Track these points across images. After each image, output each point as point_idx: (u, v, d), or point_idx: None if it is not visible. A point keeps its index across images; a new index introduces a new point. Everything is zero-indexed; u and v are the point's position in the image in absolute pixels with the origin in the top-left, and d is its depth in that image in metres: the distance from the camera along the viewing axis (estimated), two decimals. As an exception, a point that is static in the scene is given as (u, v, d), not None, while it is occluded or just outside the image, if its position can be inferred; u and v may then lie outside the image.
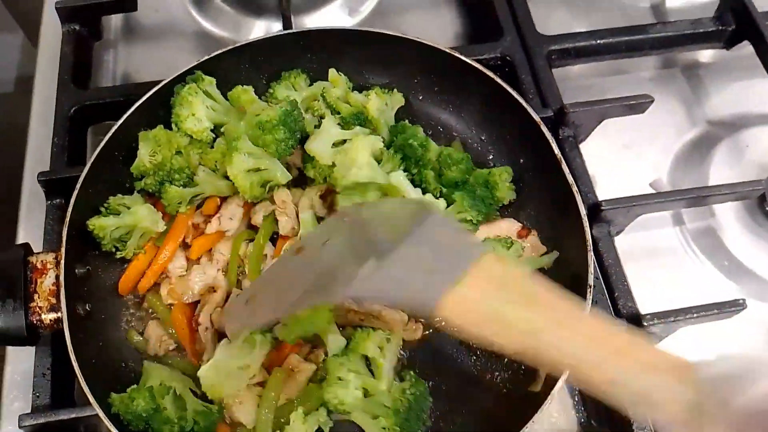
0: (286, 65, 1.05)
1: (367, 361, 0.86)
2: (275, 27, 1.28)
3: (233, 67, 1.04)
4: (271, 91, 1.04)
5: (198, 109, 0.96)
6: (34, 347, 0.88)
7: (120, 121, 0.93)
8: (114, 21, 1.29)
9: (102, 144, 0.92)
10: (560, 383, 0.80)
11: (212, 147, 0.98)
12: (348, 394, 0.81)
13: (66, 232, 0.84)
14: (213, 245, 0.96)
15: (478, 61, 1.02)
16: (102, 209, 0.90)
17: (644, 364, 0.53)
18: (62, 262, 0.82)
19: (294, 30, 1.03)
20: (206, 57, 1.00)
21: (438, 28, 1.32)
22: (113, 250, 0.91)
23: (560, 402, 0.97)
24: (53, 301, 0.81)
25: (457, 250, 0.62)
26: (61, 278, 0.81)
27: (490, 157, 1.06)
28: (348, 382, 0.81)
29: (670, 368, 0.53)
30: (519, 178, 1.01)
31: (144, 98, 0.94)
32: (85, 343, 0.82)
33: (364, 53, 1.06)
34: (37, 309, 0.81)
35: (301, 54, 1.06)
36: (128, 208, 0.91)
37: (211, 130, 0.98)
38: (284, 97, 1.01)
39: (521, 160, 1.02)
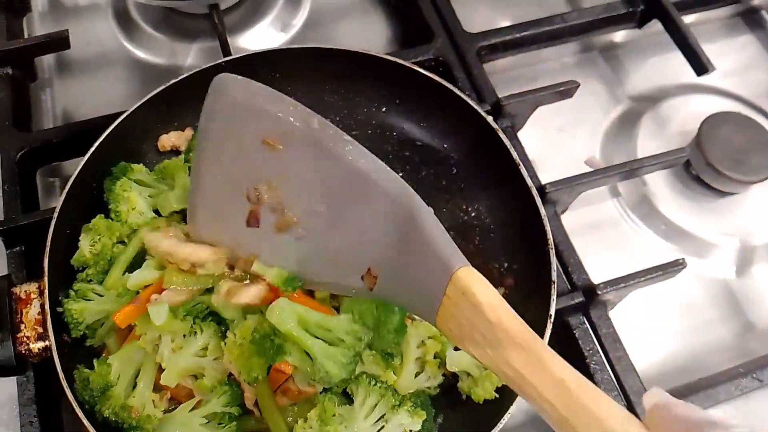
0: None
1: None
2: (211, 51, 1.30)
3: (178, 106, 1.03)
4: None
5: (137, 202, 0.94)
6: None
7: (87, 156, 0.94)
8: (47, 60, 1.28)
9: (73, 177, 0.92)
10: None
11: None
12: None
13: (47, 263, 0.84)
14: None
15: (413, 64, 1.06)
16: (71, 292, 0.87)
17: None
18: (46, 291, 0.83)
19: (234, 56, 1.04)
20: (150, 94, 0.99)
21: (370, 36, 1.36)
22: (80, 336, 0.88)
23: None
24: (40, 330, 0.82)
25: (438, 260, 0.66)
26: (47, 307, 0.82)
27: (453, 162, 1.07)
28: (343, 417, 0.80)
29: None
30: (480, 179, 1.04)
31: (102, 137, 0.95)
32: (74, 370, 0.83)
33: (316, 71, 1.06)
34: (25, 339, 0.81)
35: (260, 78, 1.04)
36: (100, 295, 0.88)
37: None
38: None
39: (481, 162, 1.04)
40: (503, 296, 0.65)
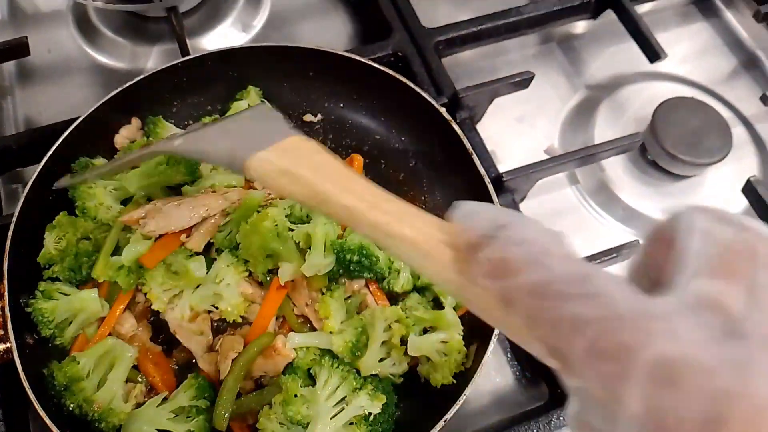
0: (185, 94, 1.08)
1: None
2: (171, 53, 1.31)
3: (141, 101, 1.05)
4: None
5: (104, 198, 0.95)
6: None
7: (41, 164, 0.94)
8: (7, 67, 1.28)
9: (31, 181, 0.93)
10: (488, 354, 0.86)
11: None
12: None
13: (6, 266, 0.85)
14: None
15: (372, 60, 1.08)
16: (37, 293, 0.88)
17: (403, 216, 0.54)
18: (5, 294, 0.84)
19: (191, 56, 1.05)
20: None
21: (331, 34, 1.37)
22: (50, 335, 0.89)
23: (496, 361, 1.04)
24: (0, 332, 0.82)
25: (274, 130, 0.70)
26: (7, 310, 0.83)
27: (411, 154, 1.09)
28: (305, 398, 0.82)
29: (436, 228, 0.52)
30: (438, 171, 1.07)
31: (59, 141, 0.95)
32: (38, 373, 0.84)
33: (274, 69, 1.08)
34: None
35: (214, 77, 1.08)
36: (65, 294, 0.89)
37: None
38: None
39: (438, 155, 1.06)
40: None
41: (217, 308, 0.89)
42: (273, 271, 0.90)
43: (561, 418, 0.93)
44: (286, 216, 0.90)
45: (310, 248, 0.86)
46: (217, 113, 1.10)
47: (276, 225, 0.87)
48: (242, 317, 0.89)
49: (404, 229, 0.52)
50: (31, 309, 0.87)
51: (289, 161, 0.64)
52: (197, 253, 0.90)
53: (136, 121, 1.05)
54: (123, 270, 0.88)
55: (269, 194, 0.95)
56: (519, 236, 0.42)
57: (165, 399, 0.85)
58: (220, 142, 0.73)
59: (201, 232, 0.91)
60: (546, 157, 1.13)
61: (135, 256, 0.87)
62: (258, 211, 0.91)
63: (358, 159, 1.07)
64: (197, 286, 0.89)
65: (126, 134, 1.04)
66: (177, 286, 0.87)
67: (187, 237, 0.91)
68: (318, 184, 0.60)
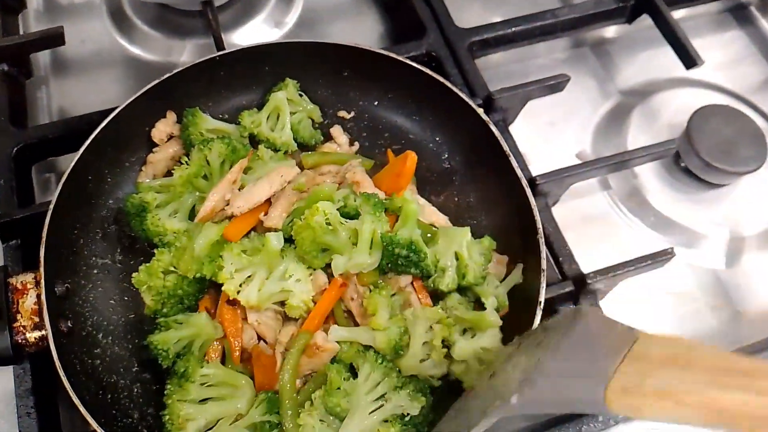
0: (220, 88, 1.08)
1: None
2: (205, 47, 1.31)
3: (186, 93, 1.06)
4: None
5: (173, 224, 0.95)
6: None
7: (80, 152, 0.94)
8: (42, 57, 1.29)
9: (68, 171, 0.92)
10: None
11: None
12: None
13: (43, 253, 0.85)
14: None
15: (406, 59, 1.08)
16: (160, 326, 0.88)
17: None
18: (42, 281, 0.84)
19: (227, 51, 1.05)
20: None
21: (363, 32, 1.37)
22: (171, 365, 0.88)
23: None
24: (36, 320, 0.83)
25: (609, 343, 0.60)
26: (42, 297, 0.83)
27: (445, 154, 1.09)
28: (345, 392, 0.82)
29: None
30: (472, 172, 1.06)
31: (96, 131, 0.96)
32: (71, 360, 0.85)
33: (308, 65, 1.08)
34: (21, 329, 0.83)
35: (248, 73, 1.08)
36: (179, 323, 0.89)
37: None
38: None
39: (473, 156, 1.06)
40: None
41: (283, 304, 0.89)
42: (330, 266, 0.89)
43: (591, 425, 0.92)
44: (338, 209, 0.89)
45: (355, 245, 0.86)
46: (255, 107, 1.10)
47: (327, 219, 0.86)
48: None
49: None
50: (153, 343, 0.86)
51: (657, 376, 0.53)
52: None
53: (171, 115, 1.06)
54: (204, 259, 0.88)
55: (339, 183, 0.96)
56: None
57: (238, 418, 0.85)
58: (563, 385, 0.59)
59: (278, 211, 0.93)
60: (579, 161, 1.12)
61: (209, 241, 0.88)
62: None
63: (412, 156, 1.00)
64: (268, 276, 0.88)
65: (163, 128, 1.04)
66: (252, 264, 0.86)
67: (265, 215, 0.93)
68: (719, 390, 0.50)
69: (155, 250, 0.93)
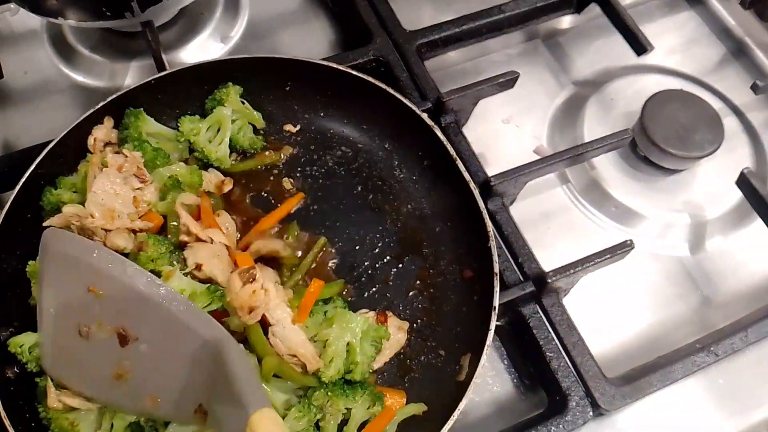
0: (163, 109, 1.06)
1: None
2: (150, 68, 1.27)
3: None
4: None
5: None
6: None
7: (16, 190, 0.92)
8: (-18, 91, 1.26)
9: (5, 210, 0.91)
10: (481, 366, 0.85)
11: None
12: None
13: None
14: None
15: (354, 66, 1.06)
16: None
17: None
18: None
19: (166, 72, 1.03)
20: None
21: (312, 41, 1.35)
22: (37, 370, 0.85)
23: (493, 369, 1.02)
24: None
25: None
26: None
27: (397, 162, 1.07)
28: None
29: None
30: (424, 179, 1.05)
31: (33, 166, 0.94)
32: (19, 408, 0.82)
33: (250, 81, 1.06)
34: None
35: (190, 91, 1.07)
36: None
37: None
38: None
39: (424, 162, 1.05)
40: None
41: None
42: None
43: (561, 426, 0.91)
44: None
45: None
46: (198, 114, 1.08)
47: None
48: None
49: None
50: (12, 348, 0.84)
51: None
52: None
53: (109, 120, 1.02)
54: None
55: None
56: None
57: None
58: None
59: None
60: (535, 158, 1.11)
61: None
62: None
63: (318, 284, 0.93)
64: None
65: (100, 136, 1.00)
66: None
67: None
68: None
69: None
